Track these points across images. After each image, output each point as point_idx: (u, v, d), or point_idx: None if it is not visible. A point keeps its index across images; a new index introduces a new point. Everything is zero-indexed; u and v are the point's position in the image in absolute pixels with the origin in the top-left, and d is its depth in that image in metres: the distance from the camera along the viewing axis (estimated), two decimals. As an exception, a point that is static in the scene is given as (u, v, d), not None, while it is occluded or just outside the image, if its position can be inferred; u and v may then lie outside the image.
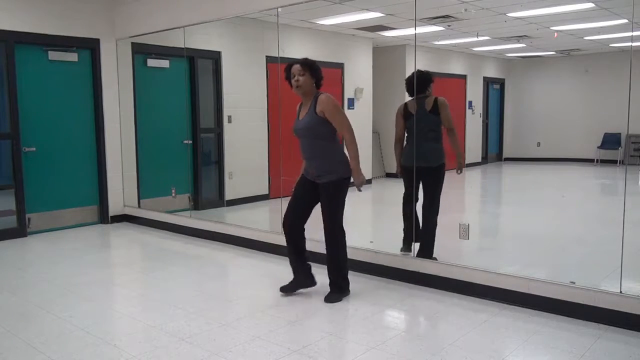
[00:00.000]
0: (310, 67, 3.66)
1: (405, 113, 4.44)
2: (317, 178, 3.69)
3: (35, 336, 3.24)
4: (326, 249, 3.78)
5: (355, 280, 4.23)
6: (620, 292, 3.23)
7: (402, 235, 4.51)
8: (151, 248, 5.72)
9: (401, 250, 4.43)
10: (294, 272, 3.87)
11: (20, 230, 5.94)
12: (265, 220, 6.70)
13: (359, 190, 3.68)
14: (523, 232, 5.84)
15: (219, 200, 7.10)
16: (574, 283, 3.43)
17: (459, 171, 4.35)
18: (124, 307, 3.83)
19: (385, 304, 3.75)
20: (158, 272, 4.65)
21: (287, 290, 3.86)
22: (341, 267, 3.79)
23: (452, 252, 4.65)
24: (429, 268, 4.04)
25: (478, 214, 7.18)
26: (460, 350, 2.95)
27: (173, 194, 6.76)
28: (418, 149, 4.37)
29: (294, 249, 3.82)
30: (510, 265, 4.34)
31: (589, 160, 10.69)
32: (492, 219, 7.00)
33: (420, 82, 4.37)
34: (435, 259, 4.25)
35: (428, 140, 4.35)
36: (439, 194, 4.36)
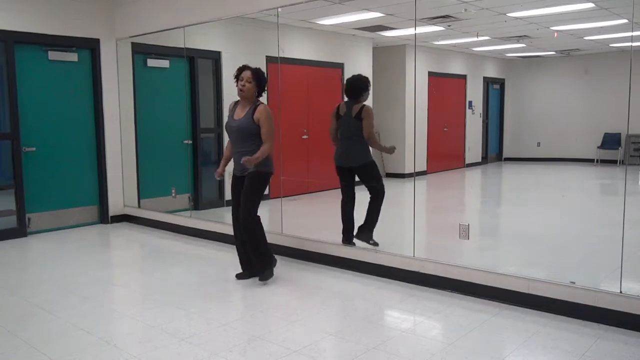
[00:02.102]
0: (259, 78, 4.05)
1: (337, 114, 4.73)
2: (243, 172, 4.07)
3: (35, 336, 3.24)
4: (245, 235, 4.10)
5: (355, 280, 4.24)
6: (620, 292, 3.23)
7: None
8: (151, 248, 5.72)
9: (343, 243, 4.70)
10: (242, 263, 4.31)
11: (20, 230, 5.94)
12: (265, 221, 6.68)
13: (244, 160, 3.88)
14: (523, 232, 5.85)
15: (219, 200, 7.10)
16: (574, 283, 3.43)
17: (391, 151, 4.74)
18: (124, 307, 3.83)
19: (385, 304, 3.76)
20: (158, 272, 4.65)
21: (243, 277, 4.27)
22: (258, 246, 4.13)
23: (452, 252, 4.66)
24: (429, 268, 4.04)
25: (478, 214, 7.18)
26: (460, 350, 2.95)
27: (173, 194, 6.76)
28: (345, 150, 4.66)
29: (242, 242, 4.22)
30: (510, 265, 4.35)
31: (589, 160, 10.70)
32: (492, 219, 7.00)
33: (354, 89, 4.66)
34: (376, 243, 4.56)
35: (352, 142, 4.62)
36: (380, 187, 4.64)
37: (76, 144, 6.43)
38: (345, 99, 4.72)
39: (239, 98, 4.12)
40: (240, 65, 4.13)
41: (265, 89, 4.15)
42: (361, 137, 4.58)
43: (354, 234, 4.69)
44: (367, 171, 4.64)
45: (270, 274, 4.17)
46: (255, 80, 4.04)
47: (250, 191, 4.06)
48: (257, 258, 4.16)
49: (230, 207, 4.31)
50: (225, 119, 7.01)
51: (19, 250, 5.51)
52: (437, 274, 3.99)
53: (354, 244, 4.66)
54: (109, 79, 6.58)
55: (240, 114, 4.09)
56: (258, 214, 4.14)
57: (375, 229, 4.66)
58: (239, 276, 4.29)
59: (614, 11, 6.62)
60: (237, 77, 4.08)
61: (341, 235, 4.70)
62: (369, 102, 8.97)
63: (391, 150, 4.73)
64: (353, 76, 4.73)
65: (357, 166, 4.62)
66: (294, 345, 3.03)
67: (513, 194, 9.15)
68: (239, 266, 4.34)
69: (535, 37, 8.98)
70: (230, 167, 4.28)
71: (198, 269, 4.75)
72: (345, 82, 4.74)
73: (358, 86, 4.65)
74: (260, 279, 4.12)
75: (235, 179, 4.20)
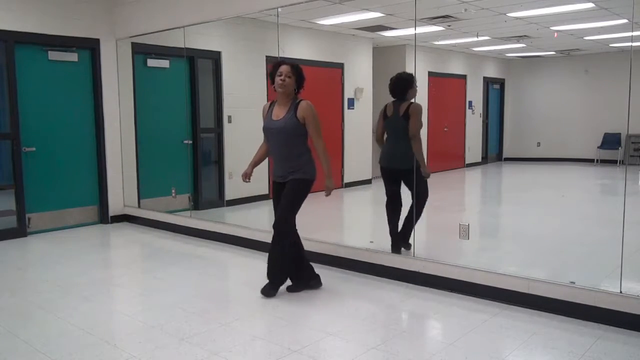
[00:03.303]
0: (298, 72, 3.78)
1: (384, 114, 4.56)
2: (284, 177, 3.81)
3: (35, 336, 3.24)
4: (272, 241, 3.86)
5: (355, 280, 4.23)
6: (620, 292, 3.23)
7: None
8: (151, 248, 5.72)
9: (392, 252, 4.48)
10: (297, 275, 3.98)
11: (20, 230, 5.94)
12: (265, 220, 6.69)
13: (327, 194, 3.80)
14: (523, 232, 5.84)
15: (219, 200, 7.10)
16: (574, 283, 3.43)
17: (425, 175, 4.44)
18: (124, 307, 3.83)
19: (385, 304, 3.75)
20: (158, 272, 4.65)
21: (293, 289, 3.95)
22: (283, 255, 3.84)
23: (452, 252, 4.66)
24: (429, 268, 4.04)
25: (478, 214, 7.18)
26: (460, 350, 2.95)
27: (173, 194, 6.76)
28: (392, 151, 4.51)
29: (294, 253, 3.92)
30: (510, 265, 4.35)
31: (589, 160, 10.69)
32: (492, 219, 7.00)
33: (398, 86, 4.46)
34: (409, 244, 4.40)
35: (400, 143, 4.46)
36: (424, 191, 4.49)
37: (76, 144, 6.43)
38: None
39: (271, 99, 3.87)
40: (276, 61, 3.85)
41: (303, 86, 3.85)
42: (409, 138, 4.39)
43: (404, 241, 4.50)
44: (413, 175, 4.41)
45: (273, 291, 3.83)
46: (295, 75, 3.75)
47: (290, 197, 3.77)
48: (278, 267, 3.86)
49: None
50: (225, 119, 7.12)
51: (19, 250, 5.51)
52: (437, 274, 3.99)
53: (400, 251, 4.47)
54: (109, 79, 6.58)
55: (279, 113, 3.78)
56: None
57: (375, 229, 4.65)
58: (289, 288, 3.99)
59: (614, 11, 6.61)
60: (273, 73, 3.77)
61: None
62: (368, 102, 9.00)
63: (427, 174, 4.43)
64: (396, 75, 4.49)
65: (404, 169, 4.43)
66: (294, 345, 3.03)
67: (513, 194, 9.15)
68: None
69: (535, 37, 8.97)
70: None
71: (198, 269, 4.75)
72: (389, 81, 4.51)
73: (402, 84, 4.43)
74: (263, 291, 3.83)
75: (277, 185, 3.92)
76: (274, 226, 3.84)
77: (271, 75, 3.80)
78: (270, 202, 4.04)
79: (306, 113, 3.71)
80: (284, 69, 3.73)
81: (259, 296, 3.90)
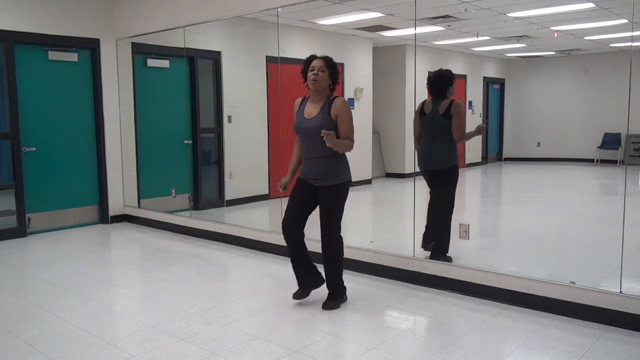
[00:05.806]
0: (332, 66, 3.54)
1: (420, 112, 4.38)
2: (317, 181, 3.53)
3: (35, 336, 3.24)
4: (324, 256, 3.64)
5: (355, 280, 4.23)
6: (620, 292, 3.23)
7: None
8: (151, 248, 5.72)
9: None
10: (299, 278, 3.68)
11: (20, 230, 5.93)
12: (265, 220, 6.69)
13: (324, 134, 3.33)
14: (523, 232, 5.84)
15: (219, 200, 7.10)
16: (574, 283, 3.43)
17: (482, 127, 4.49)
18: (124, 307, 3.83)
19: (385, 304, 3.75)
20: (158, 272, 4.65)
21: (300, 296, 3.67)
22: (339, 274, 3.69)
23: (452, 252, 4.65)
24: (429, 268, 4.04)
25: (478, 214, 7.18)
26: (460, 350, 2.95)
27: (173, 194, 6.76)
28: (429, 151, 4.35)
29: (297, 254, 3.66)
30: (511, 265, 4.34)
31: (589, 160, 10.68)
32: (492, 219, 7.00)
33: (438, 84, 4.29)
34: (449, 258, 4.25)
35: (438, 143, 4.27)
36: (449, 196, 4.33)
37: (76, 144, 6.43)
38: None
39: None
40: (308, 56, 3.58)
41: (339, 81, 3.60)
42: (449, 137, 4.19)
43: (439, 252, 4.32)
44: (448, 176, 4.28)
45: (337, 306, 3.65)
46: (329, 69, 3.50)
47: (334, 209, 3.54)
48: (336, 285, 3.66)
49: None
50: (225, 119, 7.12)
51: (19, 250, 5.50)
52: (437, 274, 3.99)
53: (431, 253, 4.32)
54: (109, 79, 6.58)
55: (312, 111, 3.52)
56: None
57: (375, 229, 4.64)
58: (296, 295, 3.67)
59: (614, 11, 6.61)
60: (305, 69, 3.54)
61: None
62: (368, 102, 8.99)
63: (482, 127, 4.38)
64: (436, 71, 4.31)
65: (440, 169, 4.28)
66: (294, 345, 3.03)
67: (513, 194, 9.15)
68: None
69: (535, 37, 8.97)
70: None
71: (198, 269, 4.75)
72: (427, 79, 4.32)
73: (442, 81, 4.25)
74: (325, 307, 3.61)
75: (302, 183, 3.59)
76: (324, 244, 3.60)
77: (303, 72, 3.57)
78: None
79: (339, 110, 3.46)
80: (316, 63, 3.49)
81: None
